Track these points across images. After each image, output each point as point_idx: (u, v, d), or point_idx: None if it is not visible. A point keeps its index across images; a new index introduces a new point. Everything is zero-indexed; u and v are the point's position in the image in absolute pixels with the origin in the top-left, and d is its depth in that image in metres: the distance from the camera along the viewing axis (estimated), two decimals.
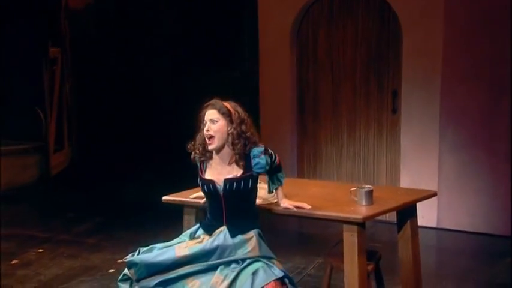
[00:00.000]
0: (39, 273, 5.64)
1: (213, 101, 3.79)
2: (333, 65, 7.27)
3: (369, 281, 4.08)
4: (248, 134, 3.74)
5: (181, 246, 3.75)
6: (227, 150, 3.73)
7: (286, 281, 3.67)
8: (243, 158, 3.73)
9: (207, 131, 3.69)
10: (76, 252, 6.17)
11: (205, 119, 3.73)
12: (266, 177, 4.01)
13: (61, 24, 9.23)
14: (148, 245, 3.77)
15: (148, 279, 3.63)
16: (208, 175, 3.77)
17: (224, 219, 3.73)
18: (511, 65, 6.31)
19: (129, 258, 3.73)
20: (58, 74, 9.13)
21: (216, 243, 3.68)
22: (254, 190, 3.83)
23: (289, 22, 7.43)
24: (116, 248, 6.19)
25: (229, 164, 3.75)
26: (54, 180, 8.88)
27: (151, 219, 6.92)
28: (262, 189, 4.06)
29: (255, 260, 3.65)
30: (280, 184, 3.99)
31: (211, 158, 3.80)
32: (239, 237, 3.69)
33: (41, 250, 6.24)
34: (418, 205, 4.42)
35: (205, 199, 3.94)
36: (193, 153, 3.81)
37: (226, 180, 3.70)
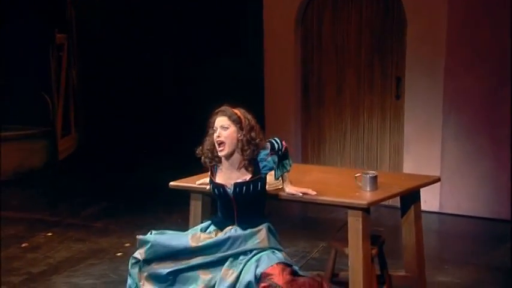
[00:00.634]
0: (48, 256, 5.72)
1: (223, 108, 3.83)
2: (337, 51, 7.31)
3: (372, 265, 4.16)
4: (257, 140, 3.80)
5: (195, 236, 3.84)
6: (237, 156, 3.80)
7: (290, 264, 3.75)
8: (252, 163, 3.80)
9: (218, 137, 3.75)
10: (84, 236, 6.25)
11: (216, 125, 3.77)
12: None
13: (67, 10, 9.25)
14: (156, 230, 3.86)
15: (159, 267, 3.69)
16: (218, 179, 3.84)
17: (235, 220, 3.82)
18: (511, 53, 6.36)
19: (141, 236, 3.80)
20: (64, 59, 9.15)
21: (227, 235, 3.77)
22: (263, 191, 3.90)
23: (294, 9, 7.45)
24: (124, 232, 6.25)
25: (239, 168, 3.81)
26: (61, 164, 8.91)
27: (158, 204, 6.97)
28: (269, 175, 4.15)
29: (261, 250, 3.74)
30: (287, 171, 4.05)
31: (220, 162, 3.86)
32: (249, 230, 3.79)
33: (50, 234, 6.32)
34: (421, 190, 4.49)
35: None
36: (202, 157, 3.88)
37: (236, 184, 3.78)
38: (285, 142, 4.07)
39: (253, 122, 3.85)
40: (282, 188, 4.11)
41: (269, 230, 3.87)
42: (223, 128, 3.75)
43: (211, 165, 3.87)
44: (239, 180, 3.79)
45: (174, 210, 6.42)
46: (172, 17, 9.54)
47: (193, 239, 3.80)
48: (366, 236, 3.99)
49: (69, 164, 9.04)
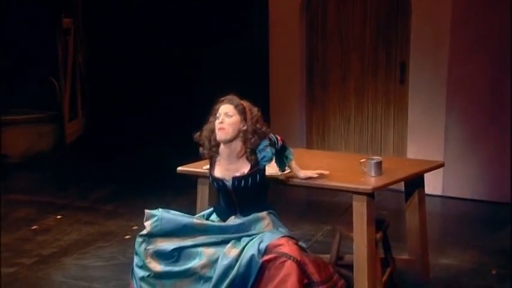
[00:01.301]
0: (58, 239, 5.80)
1: (229, 97, 3.86)
2: (342, 36, 7.33)
3: (377, 249, 4.22)
4: (264, 129, 3.84)
5: (199, 218, 3.95)
6: (236, 145, 3.82)
7: (297, 240, 3.85)
8: (253, 153, 3.83)
9: (221, 123, 3.76)
10: (93, 219, 6.32)
11: (220, 111, 3.79)
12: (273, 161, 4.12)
13: None
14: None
15: (164, 244, 3.77)
16: (217, 172, 3.88)
17: (237, 210, 3.90)
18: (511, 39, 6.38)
19: (149, 210, 3.89)
20: (71, 44, 9.16)
21: (231, 223, 3.87)
22: (263, 182, 3.93)
23: None
24: (131, 215, 6.30)
25: (238, 157, 3.84)
26: (69, 148, 8.96)
27: (165, 188, 7.01)
28: (273, 168, 4.20)
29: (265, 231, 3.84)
30: (291, 160, 4.12)
31: (217, 153, 3.89)
32: (253, 215, 3.87)
33: (59, 216, 6.39)
34: (425, 174, 4.55)
35: None
36: (200, 149, 3.91)
37: (235, 178, 3.82)
38: (283, 136, 4.12)
39: (258, 114, 3.87)
40: (291, 173, 4.17)
41: (273, 215, 3.97)
42: (227, 115, 3.77)
43: (210, 156, 3.90)
44: (237, 174, 3.82)
45: (181, 194, 6.46)
46: (179, 1, 9.53)
47: (198, 219, 3.93)
48: (370, 221, 4.07)
49: (76, 148, 9.09)
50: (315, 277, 3.67)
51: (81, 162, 8.64)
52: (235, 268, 3.63)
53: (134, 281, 3.86)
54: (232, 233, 3.84)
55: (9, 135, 8.47)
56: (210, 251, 3.76)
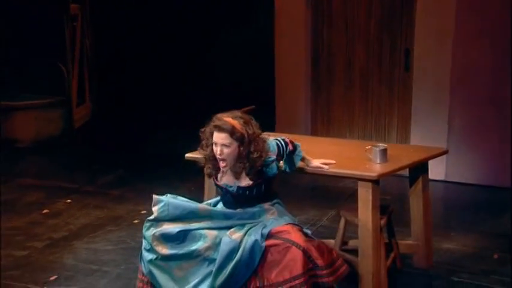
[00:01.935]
0: (69, 223, 5.88)
1: (222, 124, 3.78)
2: (347, 23, 7.31)
3: (381, 234, 4.31)
4: (255, 155, 3.79)
5: (205, 205, 4.06)
6: (238, 165, 3.86)
7: (301, 226, 3.94)
8: (254, 171, 3.86)
9: (220, 154, 3.80)
10: (102, 203, 6.37)
11: (216, 141, 3.79)
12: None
13: None
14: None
15: (170, 227, 3.86)
16: (221, 180, 3.97)
17: (243, 207, 3.98)
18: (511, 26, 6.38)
19: (157, 196, 3.99)
20: (78, 30, 9.18)
21: (237, 210, 3.96)
22: (267, 189, 3.98)
23: None
24: (139, 200, 6.36)
25: (241, 173, 3.90)
26: (77, 133, 9.00)
27: (172, 173, 7.04)
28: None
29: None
30: (301, 157, 4.18)
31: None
32: (258, 206, 3.96)
33: (69, 201, 6.45)
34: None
35: None
36: (205, 168, 3.97)
37: (239, 188, 3.91)
38: (288, 138, 4.13)
39: (251, 131, 3.82)
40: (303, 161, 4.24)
41: (278, 205, 4.06)
42: (225, 146, 3.78)
43: (216, 174, 3.97)
44: (242, 185, 3.91)
45: (188, 179, 6.51)
46: None
47: (204, 206, 4.03)
48: (375, 207, 4.16)
49: (84, 133, 9.12)
50: (319, 262, 3.74)
51: (89, 147, 8.67)
52: (239, 252, 3.72)
53: (143, 264, 3.96)
54: (237, 220, 3.94)
55: (19, 121, 8.53)
56: (213, 233, 3.85)
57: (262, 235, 3.76)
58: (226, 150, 3.79)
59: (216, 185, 4.04)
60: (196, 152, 4.54)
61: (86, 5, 9.47)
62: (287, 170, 4.22)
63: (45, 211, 6.18)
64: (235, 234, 3.81)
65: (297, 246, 3.69)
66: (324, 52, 7.53)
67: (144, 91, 9.75)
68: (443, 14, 6.73)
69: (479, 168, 6.84)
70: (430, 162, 4.72)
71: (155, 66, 9.72)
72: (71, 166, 7.81)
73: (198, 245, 3.81)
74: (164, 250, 3.84)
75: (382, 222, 4.34)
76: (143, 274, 3.98)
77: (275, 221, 3.90)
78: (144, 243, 3.95)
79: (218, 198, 4.15)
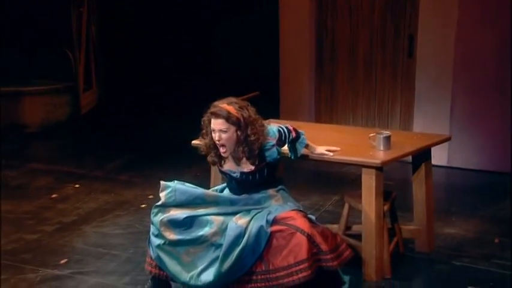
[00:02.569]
0: (77, 207, 5.95)
1: (217, 110, 3.86)
2: (351, 9, 7.32)
3: (384, 219, 4.39)
4: (252, 138, 3.86)
5: (211, 191, 4.15)
6: (238, 150, 3.93)
7: (305, 212, 4.02)
8: (255, 154, 3.93)
9: (219, 140, 3.87)
10: (110, 188, 6.43)
11: (213, 127, 3.87)
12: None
13: None
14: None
15: (177, 213, 3.95)
16: (225, 166, 4.04)
17: (248, 192, 4.06)
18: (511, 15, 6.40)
19: (164, 182, 4.08)
20: (85, 15, 9.19)
21: (243, 196, 4.04)
22: (270, 174, 4.05)
23: None
24: (146, 185, 6.43)
25: (242, 158, 3.97)
26: (84, 118, 9.06)
27: (178, 158, 7.08)
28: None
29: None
30: (305, 144, 4.25)
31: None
32: (263, 192, 4.04)
33: (77, 185, 6.51)
34: None
35: None
36: (209, 156, 4.04)
37: (243, 173, 3.98)
38: (292, 126, 4.18)
39: (247, 113, 3.88)
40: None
41: (283, 191, 4.14)
42: (222, 132, 3.85)
43: (219, 161, 4.04)
44: (245, 170, 3.98)
45: (194, 165, 6.57)
46: None
47: (210, 192, 4.12)
48: (378, 193, 4.24)
49: (91, 118, 9.17)
50: (323, 247, 3.82)
51: (96, 132, 8.72)
52: (245, 238, 3.81)
53: (151, 249, 4.05)
54: (242, 206, 4.02)
55: (27, 106, 8.62)
56: (219, 219, 3.94)
57: (267, 221, 3.85)
58: (224, 136, 3.87)
59: (221, 171, 4.12)
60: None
61: None
62: (292, 157, 4.29)
63: (54, 196, 6.26)
64: (241, 220, 3.90)
65: (302, 232, 3.78)
66: (328, 39, 7.53)
67: (150, 77, 9.77)
68: (447, 0, 6.74)
69: (481, 154, 6.87)
70: (433, 148, 4.77)
71: (161, 53, 9.73)
72: (78, 151, 7.87)
73: (205, 231, 3.90)
74: (172, 236, 3.93)
75: (385, 208, 4.41)
76: (152, 258, 4.07)
77: (280, 207, 3.98)
78: (152, 228, 4.03)
79: (224, 184, 4.23)
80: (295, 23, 7.59)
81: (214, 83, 8.89)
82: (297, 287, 3.80)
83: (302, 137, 4.23)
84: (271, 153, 3.99)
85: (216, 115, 3.87)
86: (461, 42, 6.74)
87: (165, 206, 4.01)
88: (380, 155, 4.29)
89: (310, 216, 4.06)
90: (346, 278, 4.20)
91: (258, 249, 3.81)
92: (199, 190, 4.07)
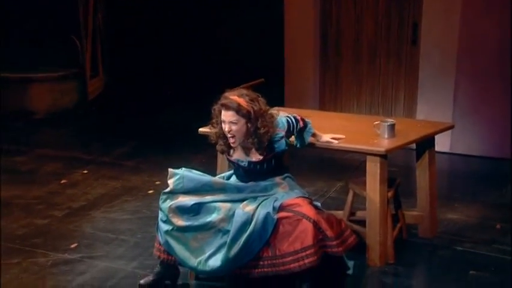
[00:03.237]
0: (86, 193, 6.02)
1: (228, 102, 3.88)
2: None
3: (388, 206, 4.46)
4: (262, 130, 3.89)
5: (219, 179, 4.21)
6: (247, 141, 3.98)
7: (311, 199, 4.09)
8: (263, 146, 3.98)
9: (229, 131, 3.91)
10: (117, 174, 6.49)
11: (224, 119, 3.90)
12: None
13: None
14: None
15: (185, 200, 4.01)
16: (234, 155, 4.10)
17: (255, 180, 4.11)
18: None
19: (172, 169, 4.15)
20: (91, 3, 9.22)
21: (250, 183, 4.10)
22: (278, 163, 4.11)
23: None
24: (153, 171, 6.49)
25: (251, 149, 4.03)
26: (91, 105, 9.10)
27: (184, 145, 7.13)
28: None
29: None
30: (312, 133, 4.31)
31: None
32: (270, 180, 4.10)
33: (85, 171, 6.58)
34: None
35: None
36: (218, 145, 4.09)
37: (251, 162, 4.04)
38: (299, 116, 4.22)
39: (257, 107, 3.91)
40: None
41: (289, 179, 4.20)
42: (232, 123, 3.89)
43: (228, 150, 4.10)
44: (253, 160, 4.03)
45: (200, 151, 6.63)
46: None
47: (217, 179, 4.17)
48: (383, 180, 4.30)
49: (98, 105, 9.21)
50: (329, 233, 3.89)
51: (102, 119, 8.76)
52: (252, 224, 3.87)
53: (159, 235, 4.12)
54: (249, 193, 4.08)
55: (34, 92, 8.68)
56: (226, 205, 4.00)
57: (274, 208, 3.91)
58: (234, 127, 3.91)
59: (229, 160, 4.19)
60: (209, 126, 4.71)
61: None
62: (298, 145, 4.35)
63: (63, 181, 6.32)
64: (248, 207, 3.96)
65: (308, 218, 3.85)
66: (333, 27, 7.54)
67: (156, 64, 9.79)
68: None
69: (484, 140, 6.92)
70: (436, 135, 4.82)
71: (168, 40, 9.75)
72: (86, 137, 7.92)
73: (213, 217, 3.96)
74: (180, 222, 3.99)
75: (389, 194, 4.47)
76: (160, 244, 4.14)
77: (286, 194, 4.04)
78: (161, 214, 4.09)
79: (231, 171, 4.29)
80: (300, 11, 7.59)
81: (220, 71, 8.93)
82: (303, 272, 3.87)
83: (309, 126, 4.28)
84: (280, 145, 4.05)
85: (227, 107, 3.90)
86: (465, 30, 6.76)
87: (174, 193, 4.07)
88: (384, 143, 4.34)
89: (315, 203, 4.12)
90: (351, 264, 4.29)
91: (265, 235, 3.87)
92: (207, 177, 4.13)
